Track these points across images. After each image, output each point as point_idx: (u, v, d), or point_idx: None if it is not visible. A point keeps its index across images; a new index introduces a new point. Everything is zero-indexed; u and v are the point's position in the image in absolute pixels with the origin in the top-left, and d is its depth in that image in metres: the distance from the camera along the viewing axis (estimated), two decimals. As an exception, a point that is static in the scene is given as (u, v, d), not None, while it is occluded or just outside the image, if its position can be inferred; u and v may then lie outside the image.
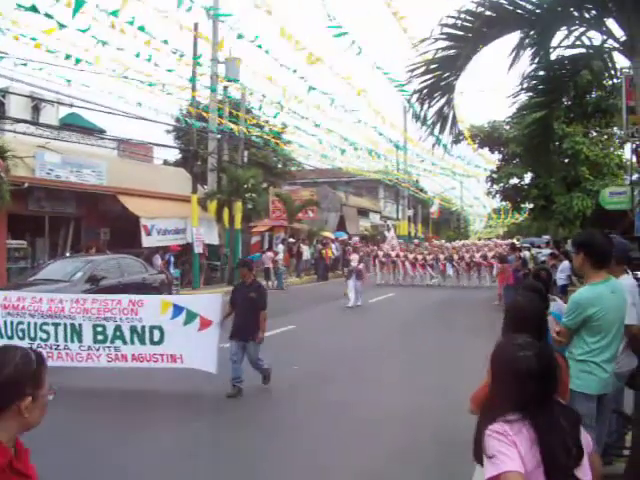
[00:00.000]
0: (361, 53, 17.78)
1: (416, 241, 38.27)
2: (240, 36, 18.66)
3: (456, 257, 29.45)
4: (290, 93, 23.43)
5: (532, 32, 7.40)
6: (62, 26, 15.84)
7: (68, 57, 18.07)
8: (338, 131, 29.49)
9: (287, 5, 23.73)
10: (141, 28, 17.35)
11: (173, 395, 9.04)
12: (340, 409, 8.23)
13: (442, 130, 8.16)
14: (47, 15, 15.50)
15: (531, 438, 2.44)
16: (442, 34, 7.32)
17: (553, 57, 8.10)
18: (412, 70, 7.63)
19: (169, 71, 21.61)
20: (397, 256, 30.51)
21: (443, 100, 7.86)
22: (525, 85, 8.47)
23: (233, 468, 6.20)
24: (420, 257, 30.18)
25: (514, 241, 34.41)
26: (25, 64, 18.06)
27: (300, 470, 6.21)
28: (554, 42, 7.73)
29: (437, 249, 31.65)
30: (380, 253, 31.12)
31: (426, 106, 7.86)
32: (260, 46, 18.89)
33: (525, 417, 2.47)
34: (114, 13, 16.26)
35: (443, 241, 38.88)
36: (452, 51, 7.43)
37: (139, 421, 7.71)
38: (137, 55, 19.03)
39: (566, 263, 16.19)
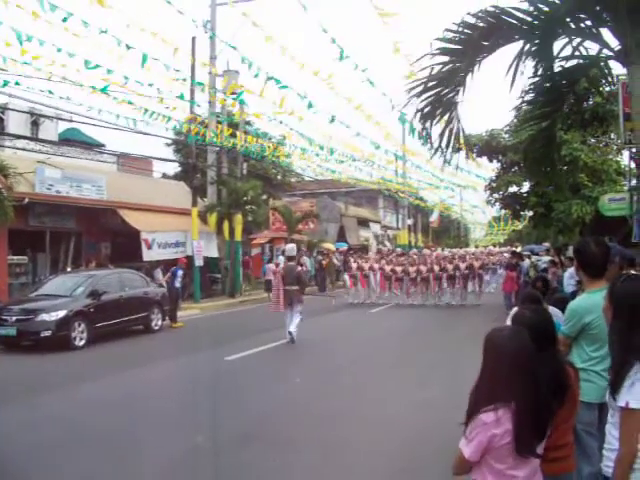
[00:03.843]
0: (358, 68, 17.89)
1: (398, 250, 33.87)
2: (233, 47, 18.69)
3: (437, 269, 24.27)
4: (288, 107, 23.37)
5: (530, 43, 7.42)
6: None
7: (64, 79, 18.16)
8: (337, 146, 29.15)
9: (280, 19, 23.71)
10: (143, 58, 17.34)
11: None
12: (338, 425, 8.07)
13: (447, 146, 8.06)
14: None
15: (511, 420, 2.80)
16: (439, 49, 7.30)
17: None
18: (410, 89, 7.58)
19: (171, 106, 21.56)
20: (370, 268, 25.25)
21: (446, 117, 7.81)
22: (526, 97, 8.44)
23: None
24: (399, 269, 24.92)
25: (515, 249, 33.99)
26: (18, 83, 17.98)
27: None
28: (552, 54, 7.73)
29: (416, 257, 26.29)
30: (354, 265, 25.72)
31: (429, 124, 7.79)
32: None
33: (508, 403, 2.81)
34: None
35: (428, 250, 31.55)
36: (450, 66, 7.41)
37: None
38: (142, 84, 19.20)
39: (573, 269, 16.14)
